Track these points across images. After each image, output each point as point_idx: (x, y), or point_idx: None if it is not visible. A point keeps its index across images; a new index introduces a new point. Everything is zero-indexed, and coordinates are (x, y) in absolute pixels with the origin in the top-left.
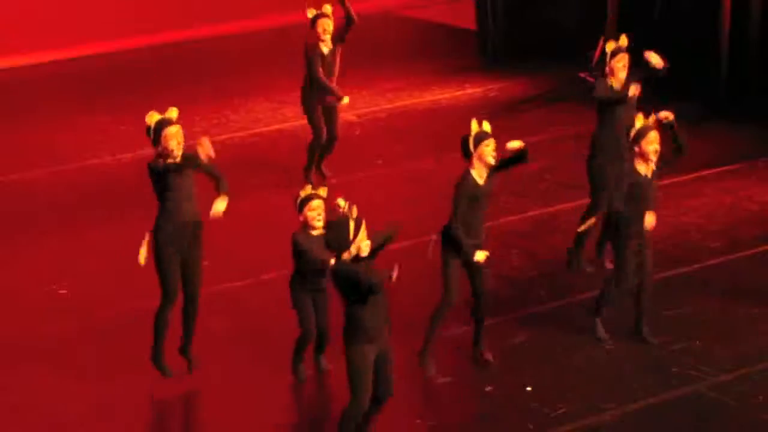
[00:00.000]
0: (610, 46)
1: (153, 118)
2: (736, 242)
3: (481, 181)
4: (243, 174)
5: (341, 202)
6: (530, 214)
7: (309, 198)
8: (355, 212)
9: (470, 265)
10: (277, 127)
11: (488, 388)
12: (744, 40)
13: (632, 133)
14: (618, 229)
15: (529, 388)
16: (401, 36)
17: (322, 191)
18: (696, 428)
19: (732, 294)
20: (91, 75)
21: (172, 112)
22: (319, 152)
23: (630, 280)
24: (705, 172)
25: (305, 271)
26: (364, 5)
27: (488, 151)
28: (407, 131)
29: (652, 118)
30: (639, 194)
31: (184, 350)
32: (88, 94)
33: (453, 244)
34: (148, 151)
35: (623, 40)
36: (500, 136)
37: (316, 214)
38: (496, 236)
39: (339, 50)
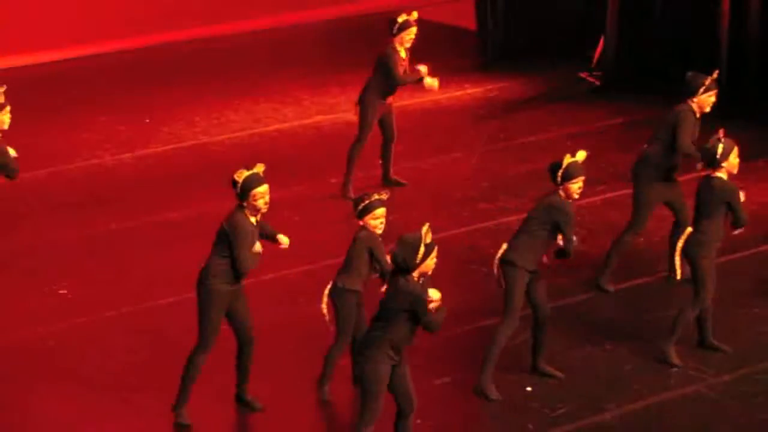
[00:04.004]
0: (707, 80)
1: (242, 174)
2: (736, 242)
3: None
4: None
5: (424, 228)
6: None
7: (373, 205)
8: (429, 237)
9: (531, 283)
10: (277, 127)
11: None
12: (744, 40)
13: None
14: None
15: (529, 388)
16: None
17: (385, 196)
18: (696, 428)
19: (732, 294)
20: (91, 75)
21: (260, 168)
22: (382, 160)
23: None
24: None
25: (366, 276)
26: (365, 5)
27: (575, 188)
28: (407, 131)
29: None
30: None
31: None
32: (89, 94)
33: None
34: (148, 151)
35: (716, 74)
36: (499, 135)
37: (379, 222)
38: (495, 237)
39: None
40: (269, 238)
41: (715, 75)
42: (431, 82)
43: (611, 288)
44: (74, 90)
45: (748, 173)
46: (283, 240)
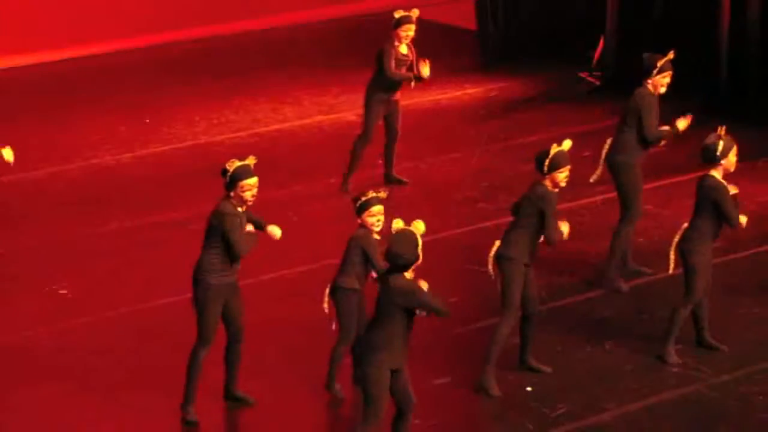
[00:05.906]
0: (660, 61)
1: (233, 164)
2: (736, 242)
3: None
4: None
5: (400, 222)
6: None
7: (370, 202)
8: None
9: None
10: (277, 127)
11: None
12: (744, 40)
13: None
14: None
15: (529, 388)
16: None
17: (383, 194)
18: (696, 428)
19: (732, 294)
20: (92, 75)
21: (251, 160)
22: (384, 158)
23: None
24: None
25: (363, 274)
26: (365, 5)
27: (561, 177)
28: (407, 131)
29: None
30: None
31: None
32: (89, 94)
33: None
34: (148, 152)
35: (671, 55)
36: (499, 135)
37: (375, 219)
38: (495, 237)
39: (413, 60)
40: (258, 228)
41: (669, 56)
42: (424, 70)
43: (624, 287)
44: (74, 90)
45: (748, 173)
46: (275, 231)
